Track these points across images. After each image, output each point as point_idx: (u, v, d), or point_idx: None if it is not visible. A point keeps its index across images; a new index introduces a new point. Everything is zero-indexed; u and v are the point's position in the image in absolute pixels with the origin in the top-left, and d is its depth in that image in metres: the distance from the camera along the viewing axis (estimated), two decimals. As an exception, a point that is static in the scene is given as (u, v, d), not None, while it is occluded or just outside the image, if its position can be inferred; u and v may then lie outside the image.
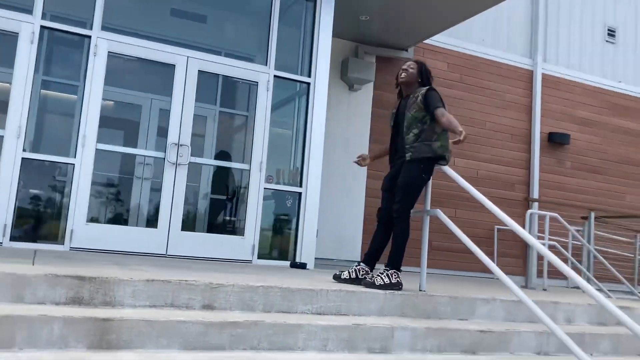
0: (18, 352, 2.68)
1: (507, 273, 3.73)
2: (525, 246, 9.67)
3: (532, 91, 10.18)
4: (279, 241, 6.54)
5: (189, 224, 6.14)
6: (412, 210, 4.29)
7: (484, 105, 9.77)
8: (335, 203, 8.39)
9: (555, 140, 10.14)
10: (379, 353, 3.41)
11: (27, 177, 5.52)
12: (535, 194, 9.91)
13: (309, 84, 6.65)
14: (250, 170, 6.37)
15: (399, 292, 3.97)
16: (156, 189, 6.03)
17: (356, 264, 4.40)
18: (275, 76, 6.55)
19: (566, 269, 3.43)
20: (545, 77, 10.25)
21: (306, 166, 6.53)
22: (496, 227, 9.25)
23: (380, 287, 3.96)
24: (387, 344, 3.45)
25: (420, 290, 4.17)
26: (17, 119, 5.50)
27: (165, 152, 6.04)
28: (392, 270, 4.12)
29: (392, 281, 4.05)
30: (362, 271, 4.31)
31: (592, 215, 7.02)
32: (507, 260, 9.33)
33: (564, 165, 10.31)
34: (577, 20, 10.78)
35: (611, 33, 11.03)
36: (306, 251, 6.36)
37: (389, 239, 4.36)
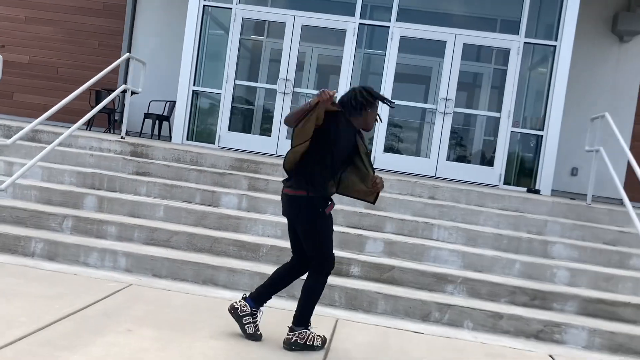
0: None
1: None
2: None
3: None
4: (522, 173, 8.39)
5: (451, 156, 8.54)
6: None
7: None
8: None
9: None
10: (535, 234, 5.36)
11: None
12: None
13: (554, 46, 8.14)
14: (500, 117, 8.35)
15: (566, 202, 5.71)
16: (429, 131, 8.57)
17: None
18: (525, 42, 8.26)
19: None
20: None
21: (548, 114, 8.13)
22: None
23: None
24: (542, 230, 5.37)
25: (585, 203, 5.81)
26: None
27: (436, 104, 8.50)
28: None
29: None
30: None
31: None
32: None
33: None
34: None
35: None
36: (544, 182, 8.04)
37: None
